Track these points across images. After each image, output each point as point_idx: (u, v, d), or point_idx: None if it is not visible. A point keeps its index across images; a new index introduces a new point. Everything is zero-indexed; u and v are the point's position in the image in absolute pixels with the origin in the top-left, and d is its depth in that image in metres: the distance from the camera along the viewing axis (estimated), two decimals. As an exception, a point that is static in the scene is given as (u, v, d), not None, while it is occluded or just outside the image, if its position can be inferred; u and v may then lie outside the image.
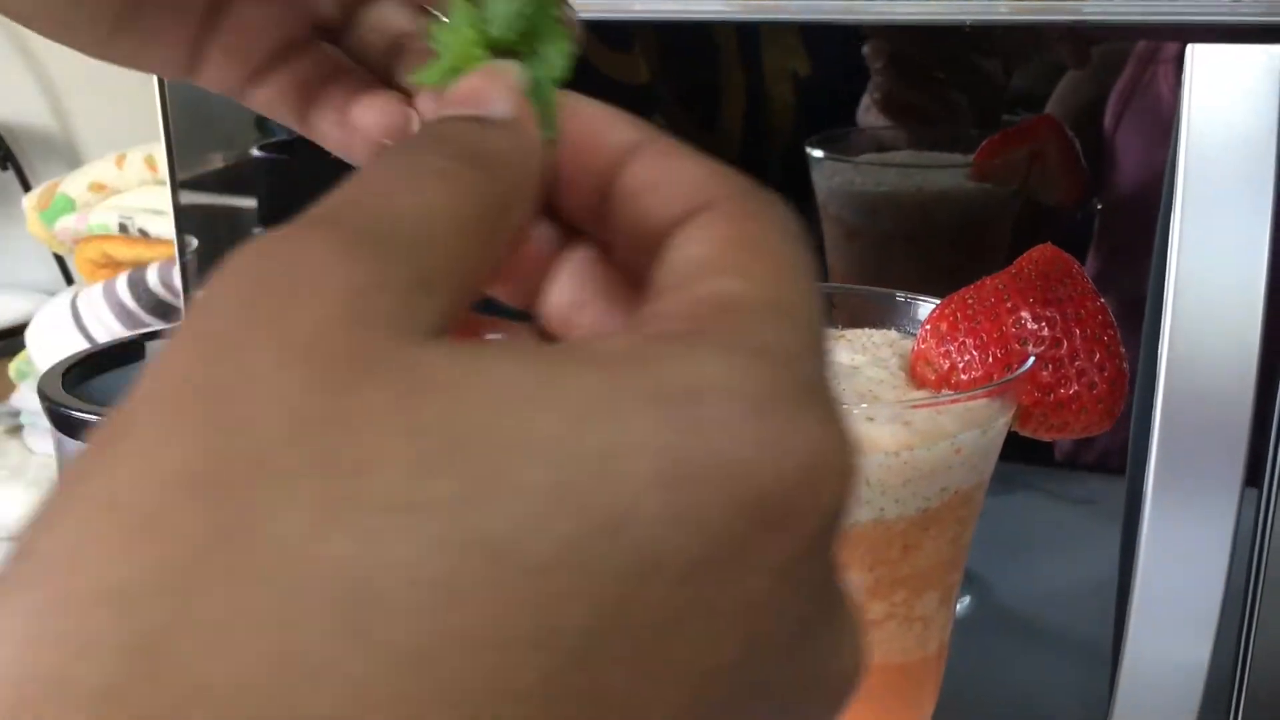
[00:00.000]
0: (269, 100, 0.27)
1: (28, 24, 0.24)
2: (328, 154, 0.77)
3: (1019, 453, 0.33)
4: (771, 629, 0.14)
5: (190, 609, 0.11)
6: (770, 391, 0.14)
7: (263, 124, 0.67)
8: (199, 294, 0.14)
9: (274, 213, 0.66)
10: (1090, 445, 0.49)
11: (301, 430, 0.12)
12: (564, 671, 0.12)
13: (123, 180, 0.77)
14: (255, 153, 0.65)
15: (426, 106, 0.24)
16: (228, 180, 0.66)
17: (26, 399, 0.76)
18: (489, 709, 0.12)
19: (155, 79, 0.59)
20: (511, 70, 0.18)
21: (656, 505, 0.13)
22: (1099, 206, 0.46)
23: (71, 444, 0.44)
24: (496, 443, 0.13)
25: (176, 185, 0.61)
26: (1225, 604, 0.42)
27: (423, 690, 0.12)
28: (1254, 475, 0.42)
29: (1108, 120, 0.46)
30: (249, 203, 0.67)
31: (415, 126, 0.24)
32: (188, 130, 0.62)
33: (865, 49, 0.47)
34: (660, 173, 0.17)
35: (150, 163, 0.76)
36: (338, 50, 0.27)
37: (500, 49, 0.19)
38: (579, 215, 0.18)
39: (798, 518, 0.14)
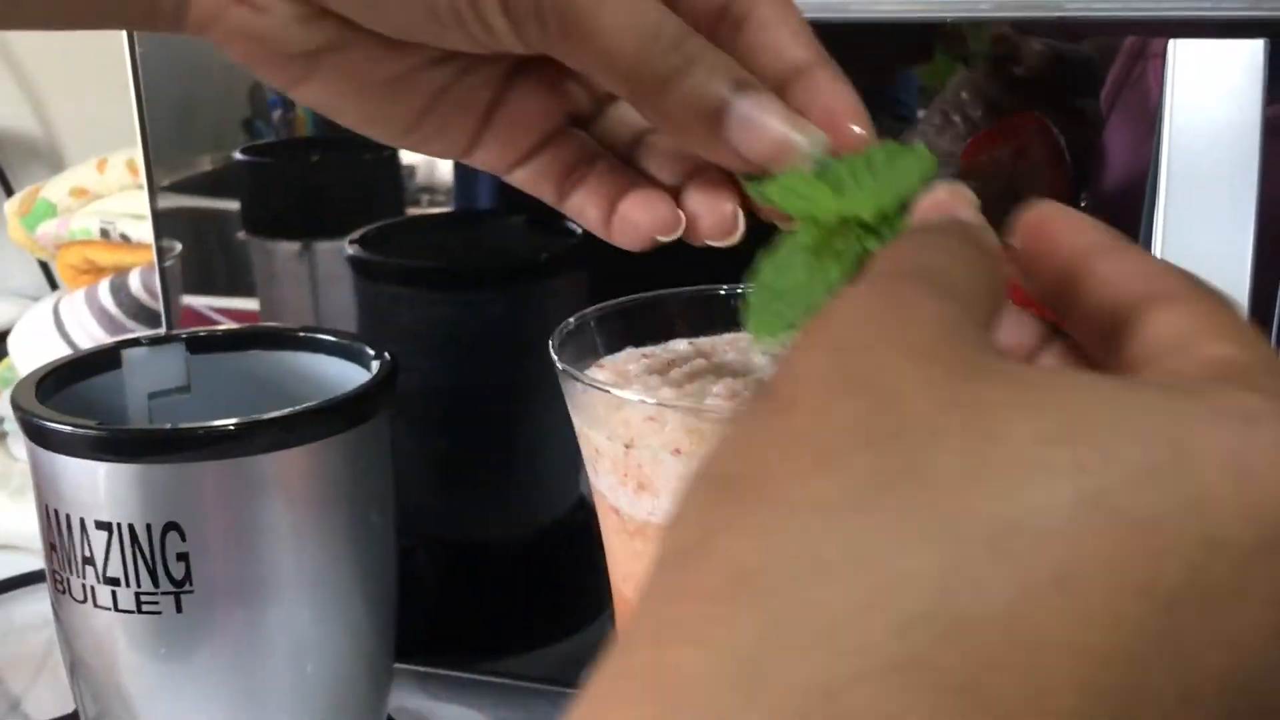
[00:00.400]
0: (529, 178, 0.32)
1: (338, 117, 0.30)
2: (309, 157, 0.76)
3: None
4: None
5: (879, 522, 0.15)
6: None
7: (249, 126, 0.66)
8: (822, 315, 0.19)
9: (257, 215, 0.65)
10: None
11: (943, 406, 0.17)
12: (1156, 615, 0.15)
13: (104, 185, 0.76)
14: (238, 156, 0.65)
15: (703, 211, 0.29)
16: (211, 184, 0.65)
17: (8, 407, 0.76)
18: (1102, 633, 0.15)
19: (131, 82, 0.58)
20: (967, 190, 0.24)
21: (1226, 493, 0.16)
22: (1083, 204, 0.46)
23: (44, 454, 0.44)
24: (1097, 424, 0.16)
25: (154, 189, 0.61)
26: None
27: (1055, 609, 0.15)
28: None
29: (1095, 116, 0.46)
30: (233, 205, 0.66)
31: (681, 226, 0.30)
32: (172, 134, 0.62)
33: (962, 95, 0.46)
34: (1127, 265, 0.22)
35: (132, 167, 0.76)
36: (588, 136, 0.32)
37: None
38: (1052, 286, 0.23)
39: None
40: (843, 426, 0.17)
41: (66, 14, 0.28)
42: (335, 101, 0.30)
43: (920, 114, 0.48)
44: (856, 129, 0.28)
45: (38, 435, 0.44)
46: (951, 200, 0.24)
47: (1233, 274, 0.41)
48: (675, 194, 0.30)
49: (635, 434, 0.31)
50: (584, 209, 0.31)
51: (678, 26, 0.27)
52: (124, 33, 0.57)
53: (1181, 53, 0.41)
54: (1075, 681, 0.15)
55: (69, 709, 0.53)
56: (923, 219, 0.24)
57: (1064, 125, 0.46)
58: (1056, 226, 0.23)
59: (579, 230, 0.55)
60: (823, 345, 0.18)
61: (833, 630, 0.15)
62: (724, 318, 0.39)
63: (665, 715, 0.15)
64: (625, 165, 0.31)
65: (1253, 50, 0.40)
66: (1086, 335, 0.22)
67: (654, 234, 0.30)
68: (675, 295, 0.38)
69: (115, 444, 0.42)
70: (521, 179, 0.32)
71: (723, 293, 0.38)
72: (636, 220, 0.30)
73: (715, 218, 0.29)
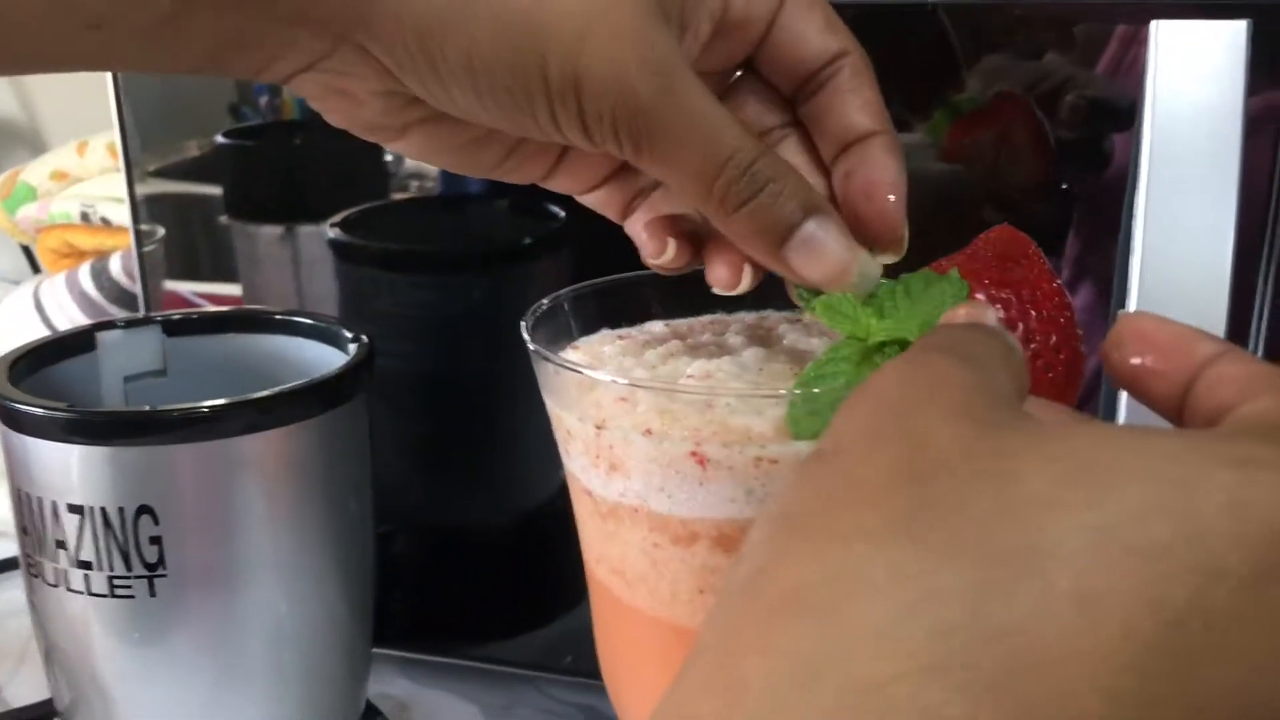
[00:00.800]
0: (598, 201, 0.35)
1: (427, 163, 0.35)
2: (293, 141, 0.75)
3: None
4: None
5: (917, 546, 0.18)
6: None
7: (235, 112, 0.65)
8: (866, 382, 0.22)
9: (239, 199, 0.65)
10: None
11: (970, 453, 0.19)
12: (1163, 632, 0.17)
13: (84, 168, 0.76)
14: (219, 139, 0.64)
15: (717, 262, 0.32)
16: (196, 169, 0.65)
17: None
18: (1115, 646, 0.17)
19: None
20: (990, 308, 0.27)
21: (1223, 526, 0.18)
22: (1064, 186, 0.45)
23: (15, 437, 0.43)
24: (1105, 469, 0.18)
25: (131, 172, 0.60)
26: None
27: (1072, 622, 0.17)
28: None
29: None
30: (216, 190, 0.66)
31: (672, 252, 0.33)
32: (157, 119, 0.61)
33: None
34: (1238, 370, 0.23)
35: (112, 150, 0.75)
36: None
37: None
38: (1165, 401, 0.25)
39: None
40: (884, 470, 0.19)
41: (175, 63, 0.30)
42: (424, 155, 0.33)
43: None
44: (891, 199, 0.31)
45: (9, 418, 0.44)
46: (975, 311, 0.26)
47: (1214, 253, 0.40)
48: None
49: (606, 415, 0.31)
50: (633, 230, 0.34)
51: (750, 148, 0.29)
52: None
53: (1164, 33, 0.41)
54: (1096, 687, 0.17)
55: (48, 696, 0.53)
56: (950, 320, 0.27)
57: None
58: (1163, 339, 0.25)
59: (562, 214, 0.55)
60: (866, 404, 0.21)
61: (878, 636, 0.17)
62: (701, 299, 0.38)
63: (731, 709, 0.17)
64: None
65: (1235, 31, 0.40)
66: (1197, 424, 0.25)
67: (648, 258, 0.33)
68: (651, 277, 0.37)
69: (86, 426, 0.42)
70: (590, 201, 0.35)
71: (699, 274, 0.37)
72: (644, 243, 0.33)
73: (725, 269, 0.32)
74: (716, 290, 0.33)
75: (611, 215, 0.35)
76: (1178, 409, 0.24)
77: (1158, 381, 0.25)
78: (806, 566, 0.18)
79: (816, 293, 0.30)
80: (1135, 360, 0.25)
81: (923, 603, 0.17)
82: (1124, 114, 0.43)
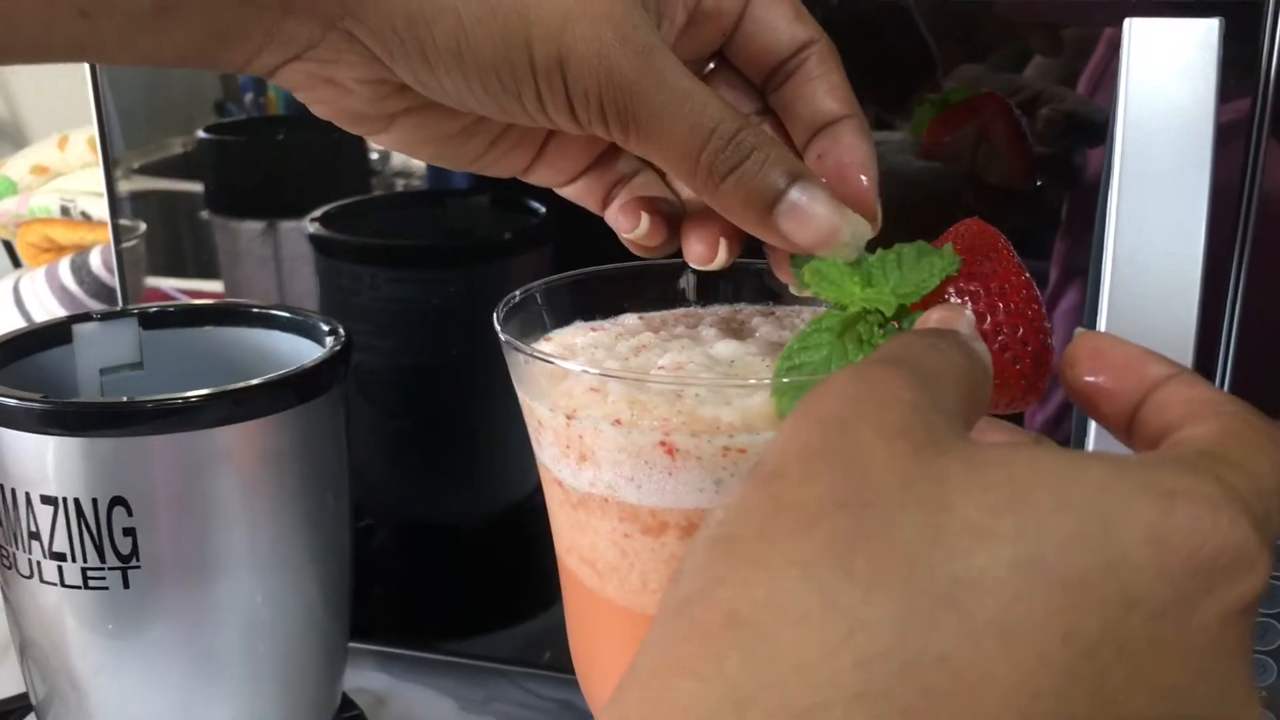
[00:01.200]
0: (578, 192, 0.36)
1: (411, 155, 0.34)
2: (275, 136, 0.74)
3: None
4: (1209, 669, 0.19)
5: (849, 577, 0.19)
6: (1224, 497, 0.20)
7: (220, 108, 0.65)
8: (814, 393, 0.22)
9: (221, 195, 0.65)
10: (1028, 421, 0.48)
11: (906, 479, 0.20)
12: (1078, 660, 0.18)
13: (65, 163, 0.76)
14: (201, 135, 0.64)
15: (693, 239, 0.33)
16: (179, 164, 0.64)
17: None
18: (1031, 673, 0.18)
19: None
20: (967, 311, 0.27)
21: (1142, 557, 0.19)
22: (1039, 184, 0.45)
23: (-12, 429, 0.43)
24: (1039, 498, 0.19)
25: (110, 166, 0.60)
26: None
27: (992, 651, 0.18)
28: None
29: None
30: (198, 187, 0.65)
31: (645, 227, 0.33)
32: (141, 115, 0.61)
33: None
34: (1184, 394, 0.24)
35: (93, 145, 0.75)
36: (630, 154, 0.35)
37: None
38: (1115, 420, 0.25)
39: (1232, 587, 0.19)
40: (820, 495, 0.20)
41: (162, 53, 0.29)
42: (409, 148, 0.33)
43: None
44: (864, 179, 0.32)
45: (-18, 409, 0.43)
46: (949, 315, 0.27)
47: (1186, 248, 0.41)
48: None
49: (577, 405, 0.31)
50: (612, 218, 0.35)
51: (733, 120, 0.30)
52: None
53: (1137, 31, 0.41)
54: (1012, 711, 0.18)
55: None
56: (924, 325, 0.27)
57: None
58: (1117, 359, 0.26)
59: (542, 209, 0.55)
60: (809, 421, 0.21)
61: (806, 665, 0.18)
62: (674, 293, 0.38)
63: None
64: (658, 181, 0.35)
65: (1208, 29, 0.40)
66: (1143, 449, 0.25)
67: (623, 233, 0.34)
68: (624, 269, 0.37)
69: (60, 417, 0.42)
70: (570, 193, 0.36)
71: (673, 267, 0.38)
72: (619, 222, 0.34)
73: (702, 245, 0.33)
74: (694, 266, 0.33)
75: (591, 206, 0.36)
76: (1127, 428, 0.25)
77: (1109, 400, 0.25)
78: (741, 593, 0.19)
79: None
80: (1089, 378, 0.26)
81: (850, 633, 0.18)
82: (1099, 128, 0.44)
